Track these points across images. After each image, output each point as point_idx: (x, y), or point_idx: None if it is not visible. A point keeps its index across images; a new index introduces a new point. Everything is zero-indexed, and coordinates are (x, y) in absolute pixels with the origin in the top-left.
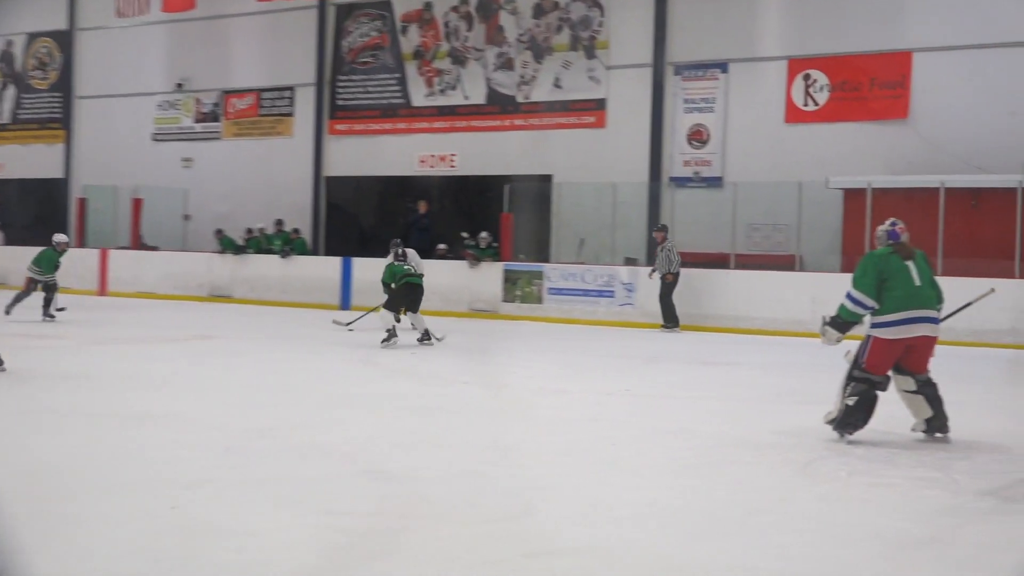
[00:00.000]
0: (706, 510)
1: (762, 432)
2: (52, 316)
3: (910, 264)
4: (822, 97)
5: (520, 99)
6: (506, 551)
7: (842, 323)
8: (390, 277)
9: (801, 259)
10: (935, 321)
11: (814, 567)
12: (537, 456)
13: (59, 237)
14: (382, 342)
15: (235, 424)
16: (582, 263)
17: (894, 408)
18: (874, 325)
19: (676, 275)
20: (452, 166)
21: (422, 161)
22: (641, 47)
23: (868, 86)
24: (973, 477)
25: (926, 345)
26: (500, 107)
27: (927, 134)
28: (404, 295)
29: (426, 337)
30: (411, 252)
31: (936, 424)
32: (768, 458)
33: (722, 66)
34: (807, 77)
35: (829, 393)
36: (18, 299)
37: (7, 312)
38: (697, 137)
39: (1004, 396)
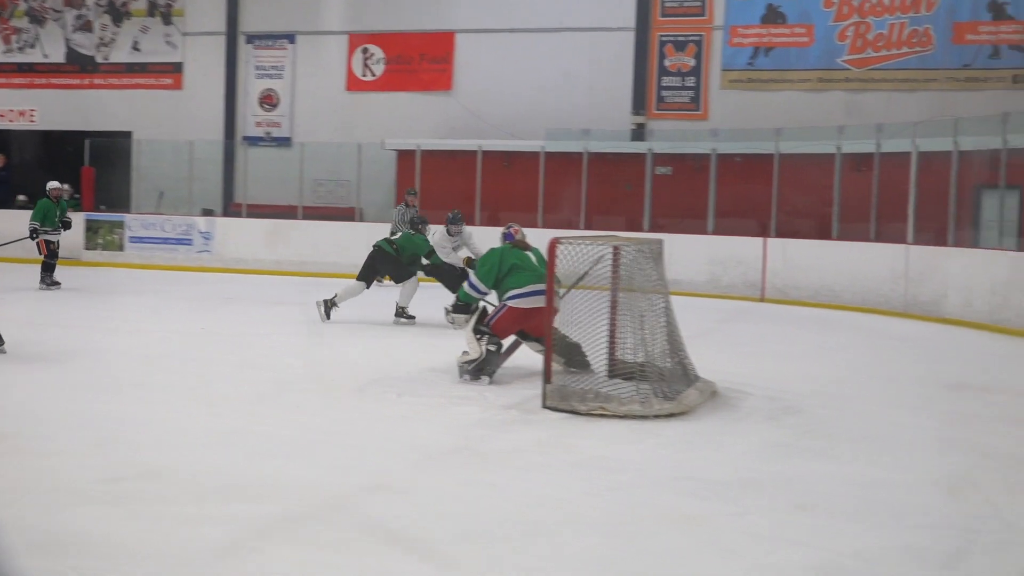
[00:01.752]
0: (270, 433)
1: (323, 363)
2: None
3: (528, 254)
4: (379, 69)
5: (100, 59)
6: (85, 477)
7: (463, 306)
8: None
9: (361, 211)
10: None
11: (360, 477)
12: (117, 392)
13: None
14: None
15: None
16: (162, 214)
17: (436, 339)
18: (509, 297)
19: None
20: (32, 121)
21: (1, 115)
22: (215, 17)
23: (418, 60)
24: (500, 395)
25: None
26: (80, 66)
27: (468, 104)
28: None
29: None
30: (436, 228)
31: (572, 362)
32: (328, 385)
33: (290, 37)
34: (365, 51)
35: (386, 330)
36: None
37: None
38: (268, 101)
39: None
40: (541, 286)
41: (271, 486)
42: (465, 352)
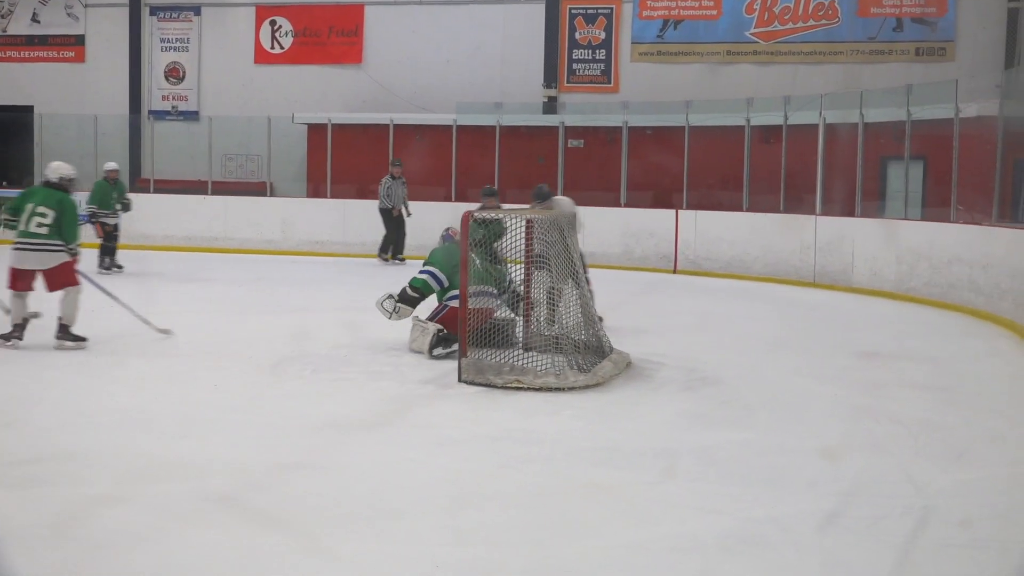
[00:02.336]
0: (183, 413)
1: (231, 340)
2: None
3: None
4: (287, 41)
5: None
6: None
7: (413, 297)
8: None
9: (272, 185)
10: (493, 295)
11: (278, 455)
12: (22, 373)
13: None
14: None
15: None
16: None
17: (354, 316)
18: (450, 298)
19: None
20: None
21: None
22: None
23: (327, 33)
24: (417, 370)
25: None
26: None
27: (378, 77)
28: None
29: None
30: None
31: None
32: (239, 362)
33: (195, 9)
34: (273, 23)
35: (302, 309)
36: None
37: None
38: (174, 74)
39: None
40: (482, 287)
41: (189, 466)
42: (416, 339)
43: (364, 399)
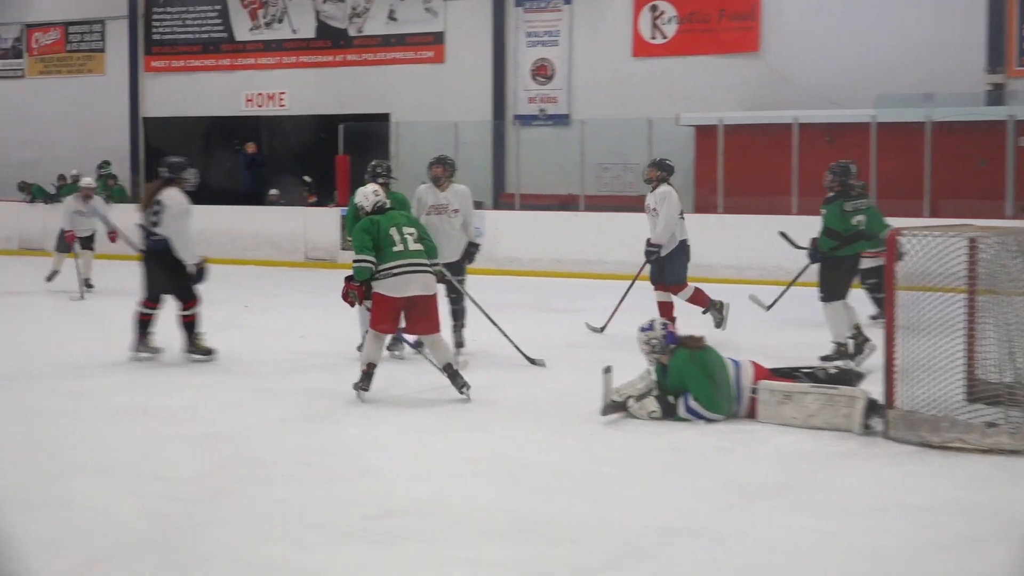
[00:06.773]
0: (554, 463)
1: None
2: None
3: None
4: (670, 30)
5: (352, 33)
6: (344, 513)
7: None
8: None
9: None
10: None
11: (663, 519)
12: (370, 414)
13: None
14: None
15: (40, 385)
16: None
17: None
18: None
19: None
20: (282, 105)
21: (249, 100)
22: None
23: (717, 18)
24: None
25: None
26: (331, 41)
27: (779, 67)
28: None
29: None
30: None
31: None
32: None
33: None
34: (654, 9)
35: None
36: None
37: None
38: (542, 73)
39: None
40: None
41: (559, 527)
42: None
43: (766, 455)
